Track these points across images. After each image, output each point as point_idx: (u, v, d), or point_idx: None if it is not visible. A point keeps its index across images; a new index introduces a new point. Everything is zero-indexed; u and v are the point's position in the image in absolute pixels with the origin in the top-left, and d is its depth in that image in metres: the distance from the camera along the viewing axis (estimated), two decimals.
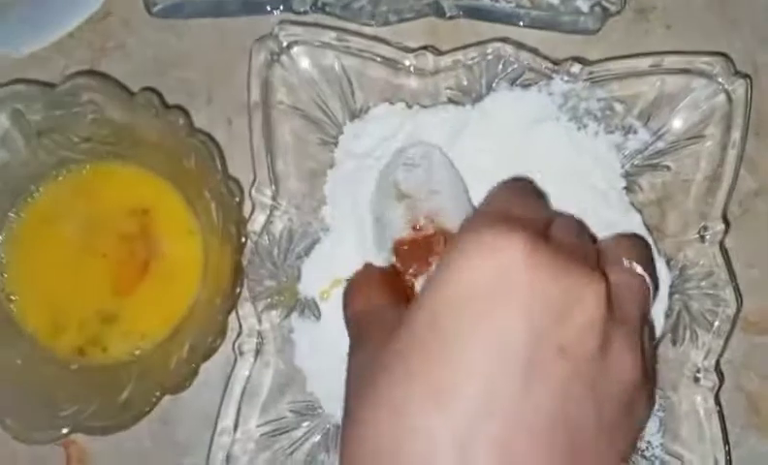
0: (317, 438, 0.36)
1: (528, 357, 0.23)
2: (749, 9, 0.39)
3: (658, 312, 0.35)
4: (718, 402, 0.34)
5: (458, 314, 0.24)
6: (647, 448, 0.35)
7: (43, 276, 0.35)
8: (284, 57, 0.35)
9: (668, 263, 0.35)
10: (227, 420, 0.35)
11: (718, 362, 0.34)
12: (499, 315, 0.24)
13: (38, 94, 0.34)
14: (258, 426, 0.35)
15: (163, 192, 0.35)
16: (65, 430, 0.33)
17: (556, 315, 0.24)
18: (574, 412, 0.24)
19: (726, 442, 0.34)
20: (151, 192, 0.35)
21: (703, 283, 0.35)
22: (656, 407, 0.35)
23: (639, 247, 0.30)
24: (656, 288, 0.30)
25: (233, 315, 0.35)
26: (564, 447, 0.24)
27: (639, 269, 0.28)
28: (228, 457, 0.34)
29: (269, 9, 0.37)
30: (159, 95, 0.34)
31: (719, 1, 0.39)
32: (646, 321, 0.28)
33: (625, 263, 0.28)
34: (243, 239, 0.33)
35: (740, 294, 0.34)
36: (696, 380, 0.34)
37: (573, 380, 0.24)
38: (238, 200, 0.33)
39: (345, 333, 0.36)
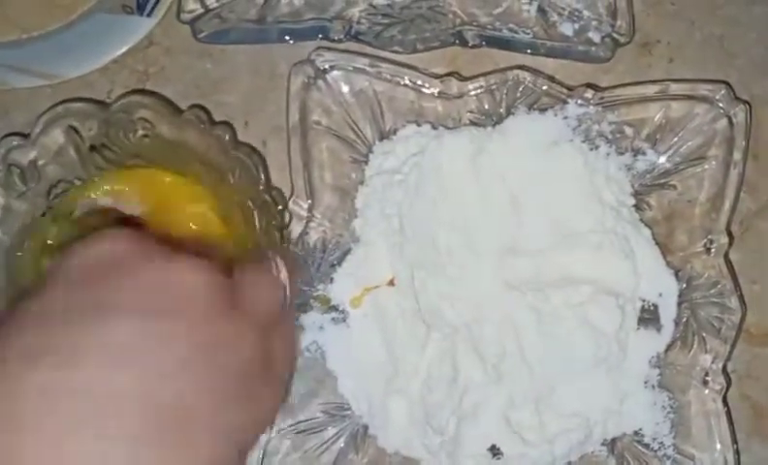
0: (346, 438, 0.38)
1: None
2: (744, 43, 0.42)
3: (668, 320, 0.38)
4: (725, 404, 0.36)
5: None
6: (659, 448, 0.37)
7: None
8: (320, 81, 0.38)
9: (676, 274, 0.38)
10: None
11: (725, 366, 0.37)
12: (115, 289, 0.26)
13: (93, 111, 0.36)
14: (292, 425, 0.37)
15: (208, 208, 0.37)
16: None
17: (172, 299, 0.26)
18: (184, 385, 0.25)
19: (735, 441, 0.36)
20: (198, 207, 0.37)
21: (709, 292, 0.37)
22: (668, 409, 0.37)
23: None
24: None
25: None
26: (162, 416, 0.24)
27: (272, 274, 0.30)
28: (264, 454, 0.36)
29: (315, 36, 0.39)
30: (206, 112, 0.37)
31: (717, 36, 0.42)
32: (279, 318, 0.29)
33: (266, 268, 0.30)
34: (286, 245, 0.35)
35: (744, 303, 0.37)
36: (705, 383, 0.37)
37: (187, 355, 0.25)
38: (281, 207, 0.35)
39: (373, 339, 0.38)
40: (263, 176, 0.35)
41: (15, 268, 0.35)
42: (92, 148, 0.37)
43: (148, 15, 0.41)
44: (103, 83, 0.42)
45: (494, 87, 0.38)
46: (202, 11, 0.39)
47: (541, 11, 0.40)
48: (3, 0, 0.42)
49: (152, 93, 0.39)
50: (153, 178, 0.38)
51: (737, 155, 0.37)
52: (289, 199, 0.38)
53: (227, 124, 0.38)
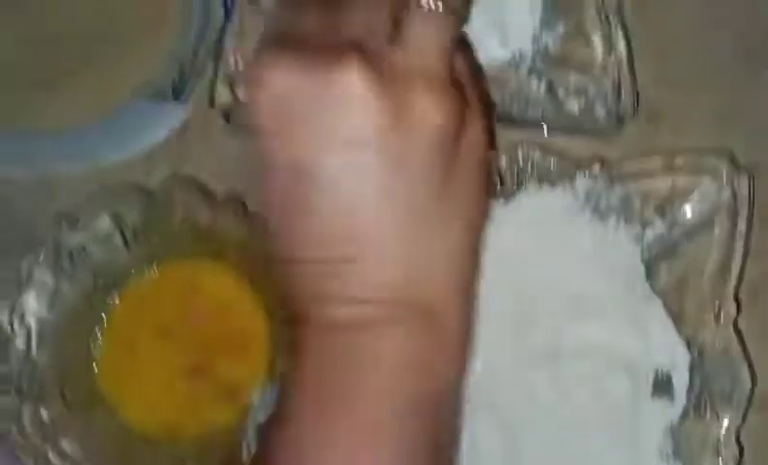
0: None
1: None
2: (750, 110, 0.43)
3: (681, 390, 0.38)
4: None
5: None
6: None
7: (134, 361, 0.41)
8: None
9: (688, 343, 0.39)
10: None
11: (738, 436, 0.37)
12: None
13: (136, 196, 0.40)
14: None
15: (241, 290, 0.40)
16: None
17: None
18: (395, 184, 0.26)
19: None
20: (231, 289, 0.40)
21: (720, 362, 0.37)
22: None
23: None
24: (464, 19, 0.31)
25: None
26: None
27: (430, 5, 0.28)
28: None
29: None
30: (242, 200, 0.39)
31: (723, 104, 0.43)
32: (451, 50, 0.28)
33: (419, 7, 0.28)
34: None
35: (754, 372, 0.38)
36: (718, 452, 0.37)
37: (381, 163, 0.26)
38: None
39: None
40: None
41: (61, 350, 0.39)
42: (135, 233, 0.40)
43: (185, 101, 0.45)
44: (141, 166, 0.45)
45: (505, 163, 0.40)
46: (233, 101, 0.42)
47: (550, 88, 0.42)
48: (47, 92, 0.46)
49: (191, 179, 0.42)
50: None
51: (741, 225, 0.38)
52: None
53: (261, 214, 0.41)
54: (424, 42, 0.27)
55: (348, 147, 0.26)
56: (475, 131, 0.29)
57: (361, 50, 0.26)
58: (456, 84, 0.28)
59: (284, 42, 0.27)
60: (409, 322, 0.28)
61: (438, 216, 0.28)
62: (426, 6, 0.27)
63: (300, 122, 0.26)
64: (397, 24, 0.27)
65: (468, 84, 0.30)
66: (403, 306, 0.28)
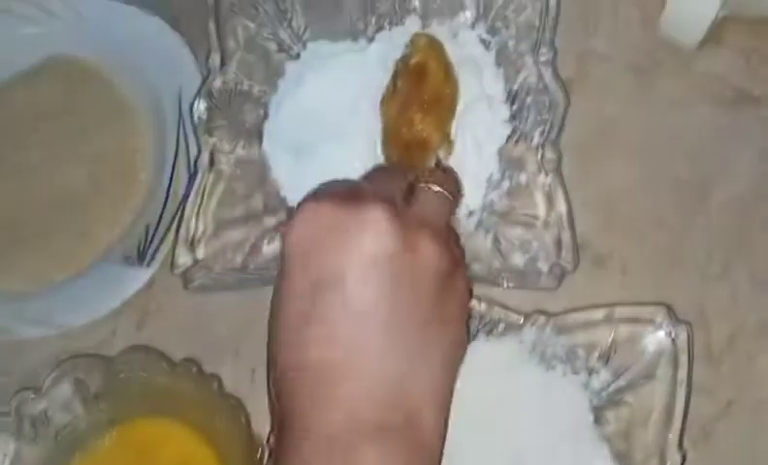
0: None
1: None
2: (692, 254, 0.45)
3: None
4: None
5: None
6: None
7: None
8: None
9: None
10: None
11: None
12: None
13: (98, 365, 0.41)
14: None
15: (199, 447, 0.41)
16: None
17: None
18: (397, 301, 0.32)
19: None
20: (189, 447, 0.41)
21: None
22: None
23: (442, 174, 0.40)
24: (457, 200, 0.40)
25: None
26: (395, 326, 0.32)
27: (437, 188, 0.37)
28: None
29: None
30: (197, 363, 0.41)
31: (666, 248, 0.46)
32: (449, 225, 0.38)
33: (428, 186, 0.37)
34: None
35: None
36: None
37: (389, 280, 0.32)
38: (259, 455, 0.39)
39: None
40: (245, 423, 0.39)
41: None
42: (96, 397, 0.41)
43: (148, 264, 0.47)
44: (105, 324, 0.47)
45: None
46: (193, 264, 0.44)
47: (496, 242, 0.44)
48: (18, 253, 0.47)
49: (148, 348, 0.44)
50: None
51: (681, 374, 0.40)
52: (269, 434, 0.41)
53: (214, 375, 0.42)
54: (430, 207, 0.36)
55: (363, 264, 0.32)
56: (461, 278, 0.36)
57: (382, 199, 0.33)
58: (450, 241, 0.36)
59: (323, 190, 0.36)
60: (389, 435, 0.32)
61: (425, 340, 0.33)
62: (431, 189, 0.37)
63: (327, 244, 0.32)
64: (410, 193, 0.36)
65: (455, 243, 0.39)
66: (385, 420, 0.32)
